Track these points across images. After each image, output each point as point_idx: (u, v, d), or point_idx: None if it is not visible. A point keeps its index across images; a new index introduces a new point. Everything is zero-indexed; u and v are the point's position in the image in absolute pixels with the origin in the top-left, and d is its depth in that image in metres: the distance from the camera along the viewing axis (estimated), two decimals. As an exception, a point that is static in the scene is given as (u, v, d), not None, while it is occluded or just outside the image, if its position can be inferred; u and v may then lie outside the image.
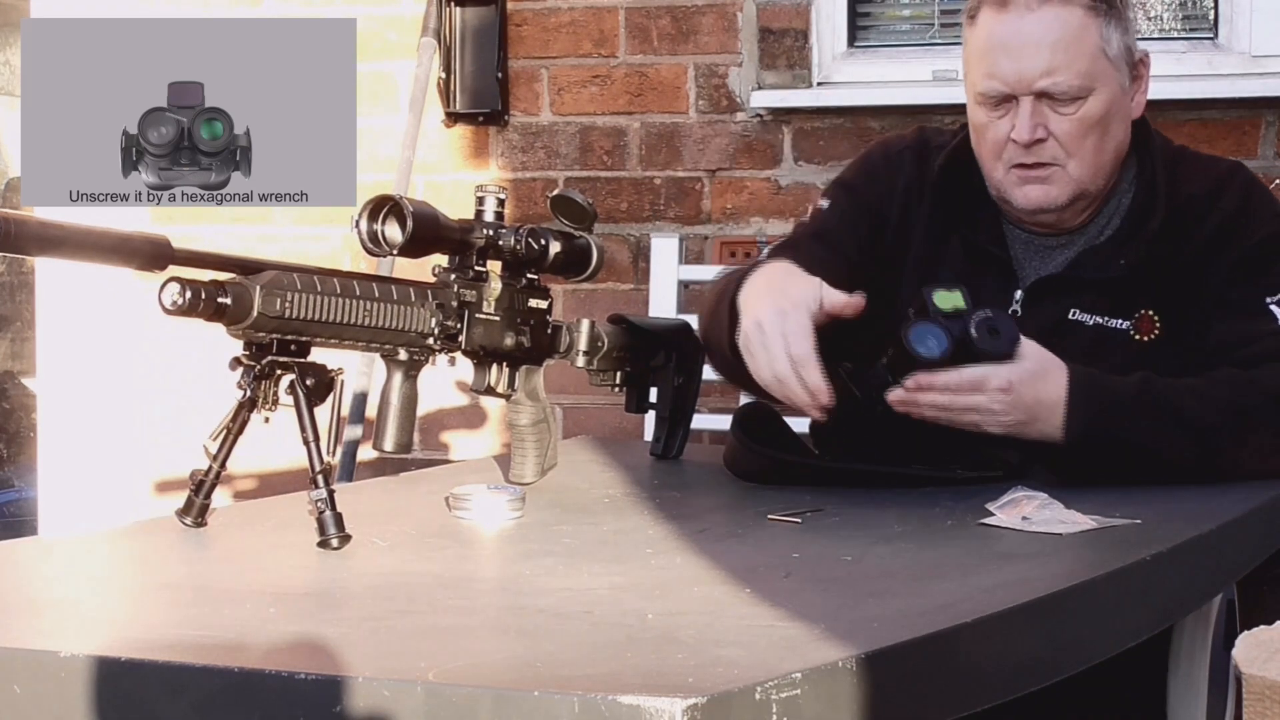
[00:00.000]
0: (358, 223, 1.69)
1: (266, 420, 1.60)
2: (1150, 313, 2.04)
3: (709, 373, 2.16)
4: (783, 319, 1.88)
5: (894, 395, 1.86)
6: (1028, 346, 1.88)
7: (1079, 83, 2.01)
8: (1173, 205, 2.06)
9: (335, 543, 1.53)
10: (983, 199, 2.13)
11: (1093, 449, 1.89)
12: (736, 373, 2.00)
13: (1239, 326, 2.00)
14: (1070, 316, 2.05)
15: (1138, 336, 2.04)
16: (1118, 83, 2.05)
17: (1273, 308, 2.00)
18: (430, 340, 1.71)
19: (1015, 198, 2.07)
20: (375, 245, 1.69)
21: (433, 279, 1.75)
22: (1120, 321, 2.04)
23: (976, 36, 2.07)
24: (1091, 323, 2.04)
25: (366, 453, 3.25)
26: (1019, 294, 2.09)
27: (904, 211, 2.16)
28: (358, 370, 3.26)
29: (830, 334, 1.90)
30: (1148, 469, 1.89)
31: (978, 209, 2.13)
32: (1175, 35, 3.30)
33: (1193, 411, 1.91)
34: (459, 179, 3.53)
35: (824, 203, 2.21)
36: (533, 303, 1.86)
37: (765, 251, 2.21)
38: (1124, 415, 1.90)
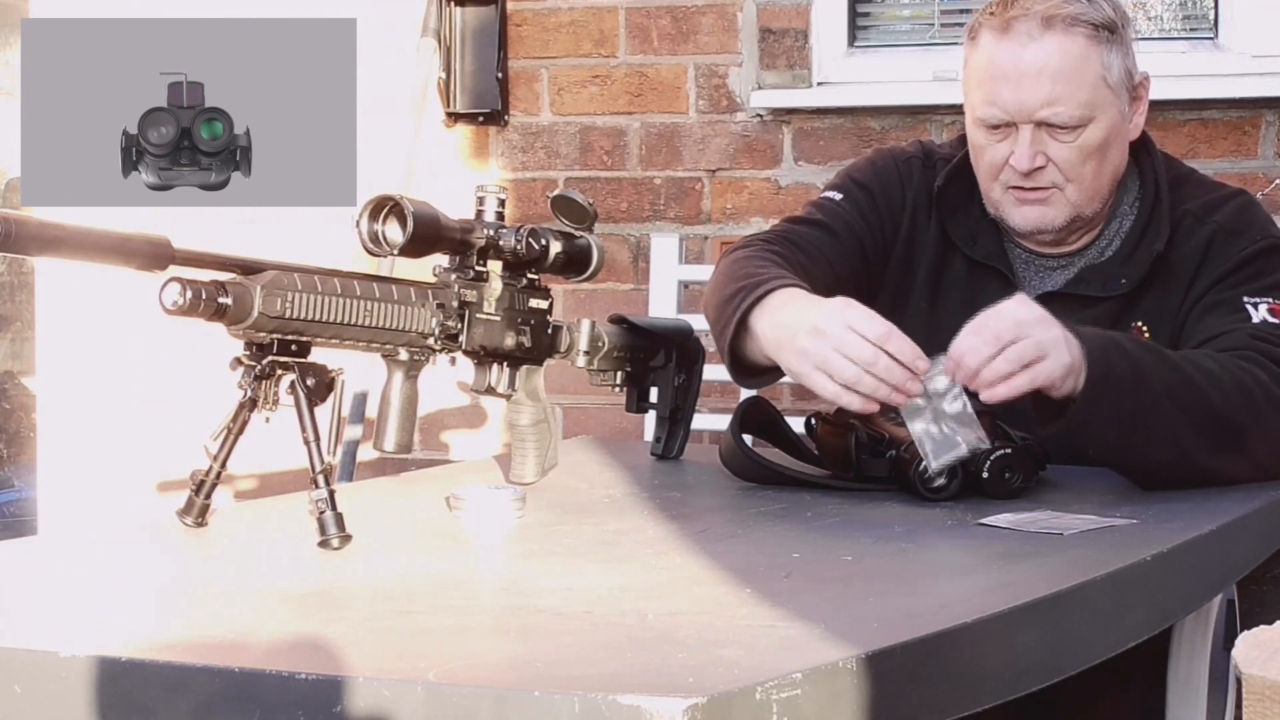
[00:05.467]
0: (358, 223, 1.68)
1: (267, 420, 1.60)
2: (1141, 325, 2.04)
3: (709, 373, 2.16)
4: (842, 314, 1.81)
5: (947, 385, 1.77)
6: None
7: (1080, 113, 2.00)
8: (1170, 223, 2.06)
9: (336, 543, 1.53)
10: (984, 214, 2.12)
11: (1110, 379, 1.80)
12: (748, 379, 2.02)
13: (1214, 323, 1.98)
14: None
15: None
16: (1117, 109, 2.04)
17: (1248, 305, 1.99)
18: (431, 340, 1.71)
19: (1012, 218, 2.07)
20: (376, 245, 1.69)
21: (433, 279, 1.75)
22: None
23: (977, 59, 2.05)
24: None
25: (367, 453, 3.25)
26: None
27: (913, 224, 2.15)
28: (358, 370, 3.26)
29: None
30: (1156, 411, 1.82)
31: (979, 225, 2.13)
32: (1175, 35, 3.29)
33: (1189, 360, 1.87)
34: (459, 179, 3.53)
35: (834, 195, 2.17)
36: (533, 303, 1.86)
37: (745, 238, 2.15)
38: (1122, 343, 1.84)
